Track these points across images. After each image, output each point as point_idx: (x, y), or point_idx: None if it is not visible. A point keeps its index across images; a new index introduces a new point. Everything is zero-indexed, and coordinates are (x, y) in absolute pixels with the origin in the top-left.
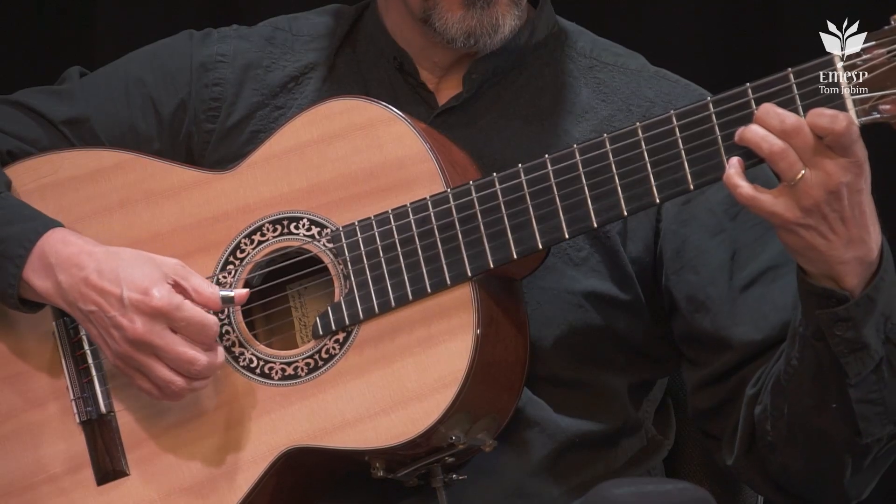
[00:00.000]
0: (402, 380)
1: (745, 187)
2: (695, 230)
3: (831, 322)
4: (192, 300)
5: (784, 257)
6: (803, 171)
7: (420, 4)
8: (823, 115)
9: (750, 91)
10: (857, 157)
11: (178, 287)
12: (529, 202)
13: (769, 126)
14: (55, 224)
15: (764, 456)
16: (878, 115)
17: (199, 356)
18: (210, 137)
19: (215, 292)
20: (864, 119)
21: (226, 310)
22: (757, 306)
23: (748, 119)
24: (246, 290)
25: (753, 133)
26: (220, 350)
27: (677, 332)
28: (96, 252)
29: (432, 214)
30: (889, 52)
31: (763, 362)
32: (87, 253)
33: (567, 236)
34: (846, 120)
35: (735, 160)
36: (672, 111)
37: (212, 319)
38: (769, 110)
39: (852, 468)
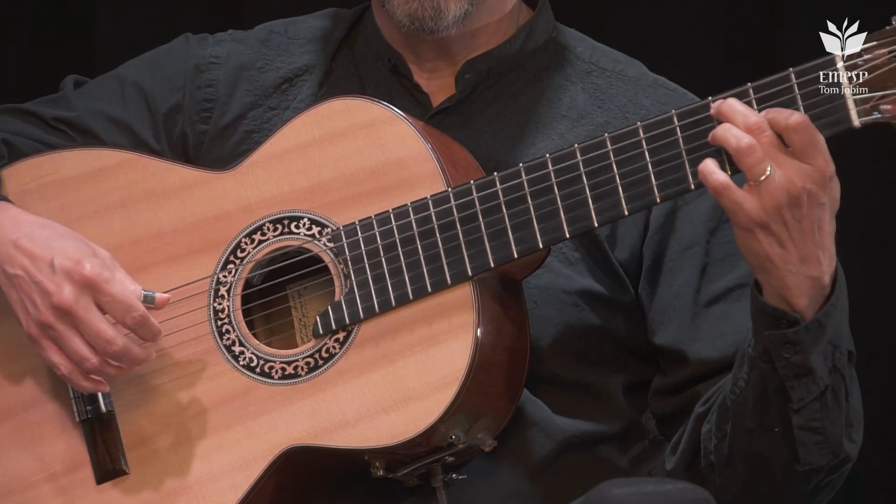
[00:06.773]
0: (402, 379)
1: (719, 174)
2: (672, 242)
3: (779, 344)
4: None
5: (753, 278)
6: (769, 171)
7: None
8: (780, 112)
9: (751, 91)
10: (819, 166)
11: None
12: (530, 201)
13: (734, 123)
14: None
15: (705, 476)
16: (879, 116)
17: (119, 337)
18: (204, 138)
19: (137, 289)
20: (864, 119)
21: (226, 308)
22: (717, 324)
23: None
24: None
25: (723, 129)
26: (151, 351)
27: (648, 338)
28: (31, 219)
29: (433, 214)
30: (890, 52)
31: (718, 380)
32: (22, 219)
33: (568, 236)
34: (801, 117)
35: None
36: (673, 111)
37: (139, 306)
38: (734, 108)
39: (792, 497)
